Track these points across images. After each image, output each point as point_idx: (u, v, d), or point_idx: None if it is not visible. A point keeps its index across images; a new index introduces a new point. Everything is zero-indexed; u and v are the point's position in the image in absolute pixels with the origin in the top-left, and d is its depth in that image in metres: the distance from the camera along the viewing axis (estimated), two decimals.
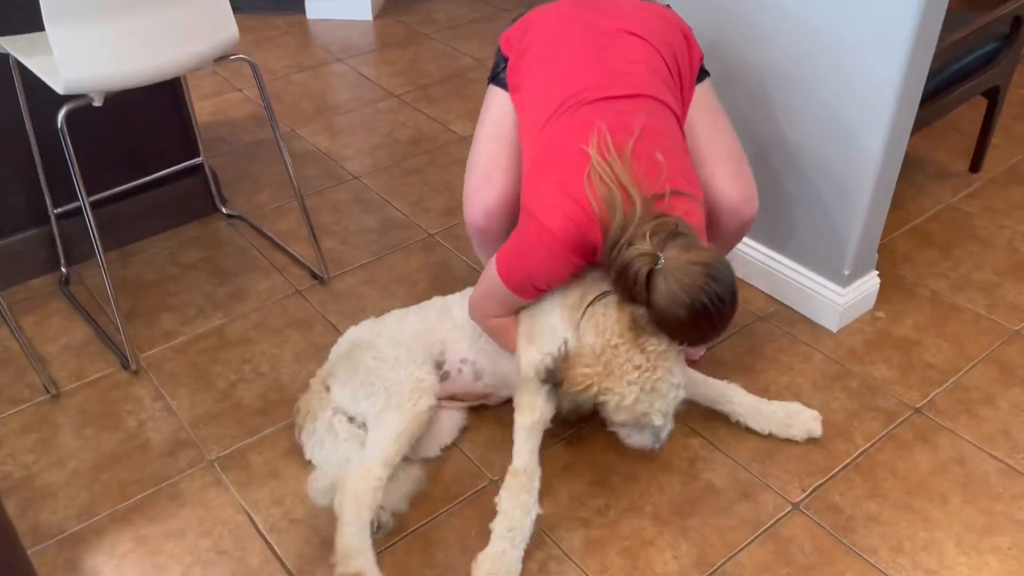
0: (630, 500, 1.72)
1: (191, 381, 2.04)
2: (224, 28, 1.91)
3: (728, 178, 1.72)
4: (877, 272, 2.16)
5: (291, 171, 2.25)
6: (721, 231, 1.77)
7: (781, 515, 1.68)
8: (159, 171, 2.39)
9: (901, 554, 1.60)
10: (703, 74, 1.80)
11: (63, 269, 2.32)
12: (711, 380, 1.85)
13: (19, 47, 1.89)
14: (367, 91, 3.31)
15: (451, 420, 1.84)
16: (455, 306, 1.87)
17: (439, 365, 1.80)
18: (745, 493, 1.73)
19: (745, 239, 2.20)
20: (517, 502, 1.56)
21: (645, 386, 1.49)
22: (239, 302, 2.28)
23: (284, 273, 2.38)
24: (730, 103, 1.91)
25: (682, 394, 1.55)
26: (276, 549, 1.65)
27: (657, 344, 1.49)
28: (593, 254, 1.54)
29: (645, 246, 1.41)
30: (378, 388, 1.70)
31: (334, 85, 3.36)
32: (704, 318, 1.42)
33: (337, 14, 3.84)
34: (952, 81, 2.33)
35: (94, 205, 2.02)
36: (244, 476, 1.80)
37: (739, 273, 2.27)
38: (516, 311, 1.70)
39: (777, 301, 2.21)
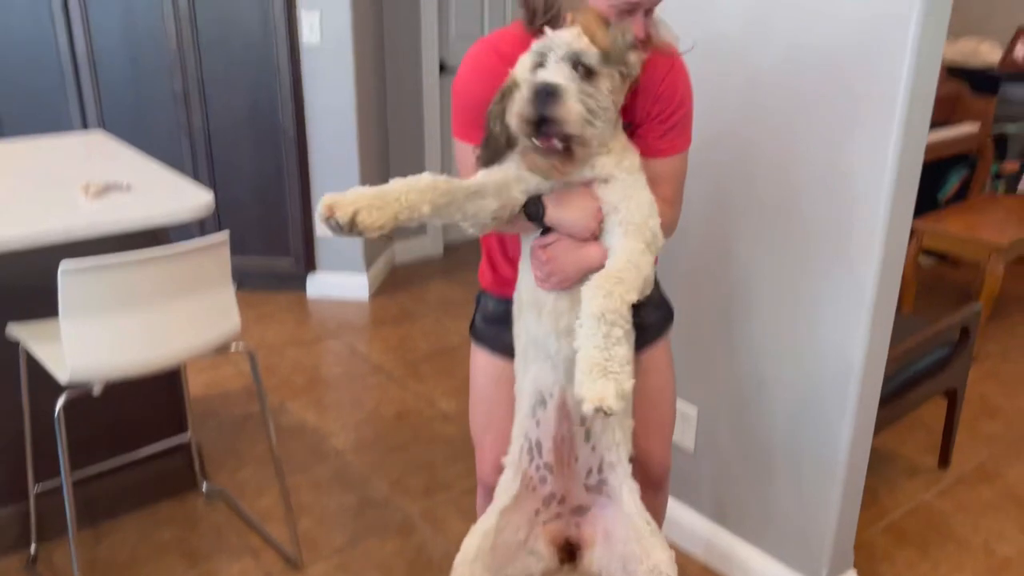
0: None
1: None
2: (227, 319, 2.05)
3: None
4: (855, 570, 2.15)
5: (275, 450, 2.30)
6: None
7: None
8: (146, 447, 2.44)
9: None
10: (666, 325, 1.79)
11: (32, 548, 2.28)
12: None
13: (28, 334, 2.02)
14: (358, 366, 3.44)
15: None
16: None
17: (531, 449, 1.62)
18: None
19: (721, 531, 2.21)
20: None
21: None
22: None
23: (257, 557, 2.34)
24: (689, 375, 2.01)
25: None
26: None
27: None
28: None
29: None
30: None
31: (327, 360, 3.50)
32: None
33: (336, 293, 4.09)
34: (911, 382, 2.46)
35: (76, 484, 2.04)
36: None
37: (719, 567, 2.26)
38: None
39: None
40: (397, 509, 2.55)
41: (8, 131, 3.71)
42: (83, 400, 2.25)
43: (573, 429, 1.56)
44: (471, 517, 2.45)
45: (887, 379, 1.96)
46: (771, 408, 2.06)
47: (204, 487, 2.61)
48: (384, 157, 4.36)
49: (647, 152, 1.51)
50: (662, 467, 1.83)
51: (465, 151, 1.54)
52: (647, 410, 1.71)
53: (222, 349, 2.08)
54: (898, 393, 2.40)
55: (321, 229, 3.59)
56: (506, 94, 1.38)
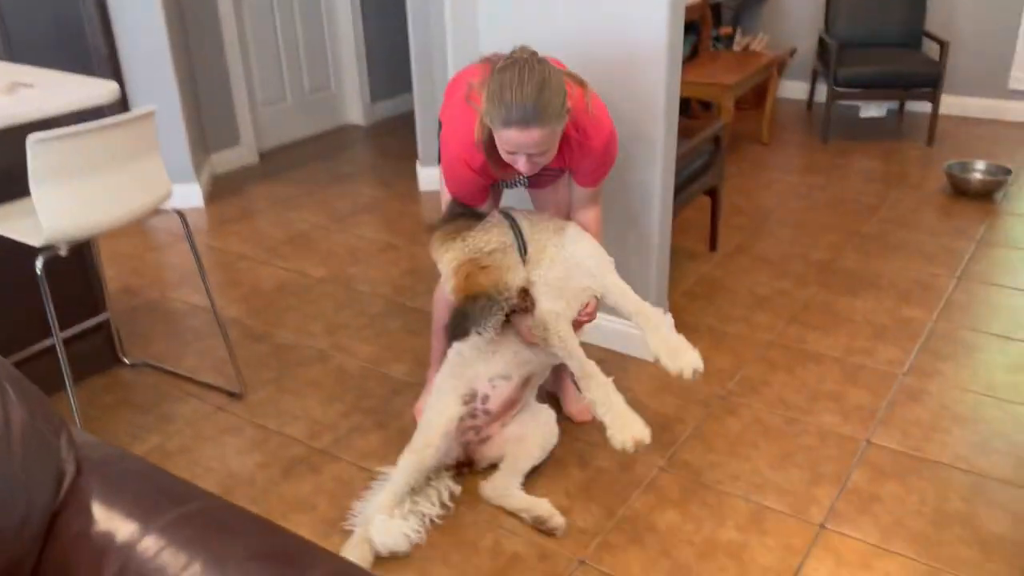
0: (544, 488, 2.25)
1: None
2: (163, 182, 2.39)
3: None
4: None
5: (206, 283, 2.67)
6: None
7: (653, 474, 2.30)
8: (69, 328, 2.70)
9: (737, 480, 2.26)
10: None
11: None
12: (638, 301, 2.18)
13: None
14: (221, 258, 3.76)
15: (545, 428, 2.31)
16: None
17: (472, 395, 2.24)
18: (625, 466, 2.33)
19: None
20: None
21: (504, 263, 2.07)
22: (168, 424, 2.59)
23: (201, 398, 2.72)
24: None
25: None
26: None
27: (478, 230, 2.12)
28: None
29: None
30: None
31: (188, 258, 3.77)
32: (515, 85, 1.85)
33: (170, 203, 4.28)
34: (688, 180, 3.28)
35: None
36: None
37: None
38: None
39: (605, 349, 2.92)
40: (307, 347, 3.01)
41: None
42: (3, 288, 2.49)
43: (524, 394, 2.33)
44: (374, 343, 3.01)
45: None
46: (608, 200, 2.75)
47: (126, 361, 2.90)
48: (192, 77, 4.54)
49: (583, 182, 2.20)
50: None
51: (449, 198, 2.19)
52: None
53: (161, 208, 2.42)
54: (681, 189, 3.21)
55: None
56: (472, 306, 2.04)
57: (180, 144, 4.23)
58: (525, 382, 2.29)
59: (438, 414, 2.19)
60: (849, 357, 2.83)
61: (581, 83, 2.02)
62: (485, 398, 2.25)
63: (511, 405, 2.28)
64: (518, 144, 1.90)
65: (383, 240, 3.87)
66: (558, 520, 2.10)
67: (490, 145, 1.99)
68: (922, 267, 3.44)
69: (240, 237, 3.98)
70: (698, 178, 3.36)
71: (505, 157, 1.97)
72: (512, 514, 2.16)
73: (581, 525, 2.13)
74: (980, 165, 4.23)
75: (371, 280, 3.49)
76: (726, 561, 2.00)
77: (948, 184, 4.24)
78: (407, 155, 4.95)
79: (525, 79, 1.84)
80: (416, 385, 2.69)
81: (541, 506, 2.13)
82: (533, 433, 2.28)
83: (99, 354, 2.86)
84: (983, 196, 4.11)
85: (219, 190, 4.61)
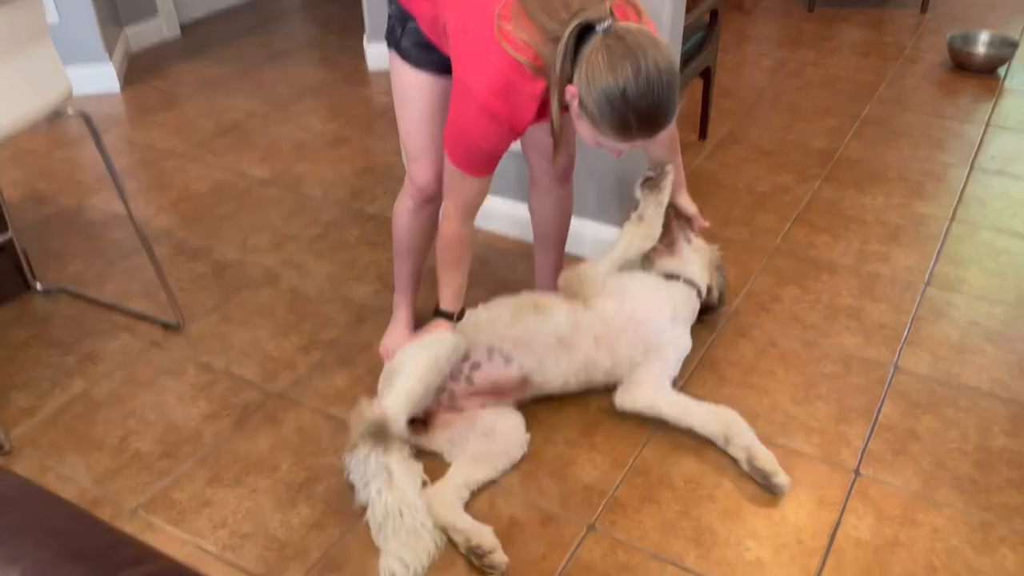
0: (543, 435, 1.97)
1: (77, 446, 1.97)
2: (56, 79, 1.91)
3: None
4: None
5: (133, 217, 2.25)
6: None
7: None
8: None
9: (757, 418, 2.00)
10: None
11: None
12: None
13: None
14: (145, 154, 3.27)
15: (515, 432, 1.92)
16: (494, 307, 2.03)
17: (465, 355, 1.91)
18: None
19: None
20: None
21: None
22: (94, 366, 2.21)
23: (132, 331, 2.34)
24: None
25: None
26: (238, 563, 1.68)
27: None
28: (528, 103, 1.62)
29: (586, 18, 1.51)
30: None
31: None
32: (644, 91, 1.48)
33: (81, 89, 3.71)
34: (685, 59, 2.87)
35: None
36: (174, 514, 1.80)
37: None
38: (472, 209, 1.82)
39: None
40: (253, 265, 2.61)
41: None
42: None
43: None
44: (331, 259, 2.61)
45: None
46: None
47: (39, 286, 2.48)
48: None
49: None
50: (570, 158, 2.10)
51: (466, 180, 1.75)
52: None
53: (57, 114, 1.95)
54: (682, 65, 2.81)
55: None
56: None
57: (87, 17, 3.62)
58: (521, 383, 1.97)
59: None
60: (863, 265, 2.55)
61: (637, 8, 1.64)
62: (476, 365, 1.93)
63: (494, 392, 1.95)
64: (633, 145, 1.58)
65: (332, 132, 3.40)
66: (499, 558, 1.65)
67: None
68: (930, 155, 3.14)
69: (165, 129, 3.46)
70: (693, 58, 2.95)
71: (594, 145, 1.63)
72: (445, 532, 1.72)
73: (587, 481, 1.86)
74: (984, 37, 3.87)
75: (322, 181, 3.06)
76: (755, 522, 1.76)
77: (948, 58, 3.89)
78: (352, 29, 4.39)
79: (652, 75, 1.48)
80: (384, 311, 2.34)
81: (483, 534, 1.67)
82: (503, 434, 1.90)
83: (3, 280, 2.42)
84: (987, 71, 3.78)
85: (137, 71, 4.02)
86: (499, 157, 1.74)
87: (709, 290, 2.19)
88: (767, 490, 1.81)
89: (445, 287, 1.90)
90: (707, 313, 2.24)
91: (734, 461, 1.86)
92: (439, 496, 1.74)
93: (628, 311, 2.01)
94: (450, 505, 1.73)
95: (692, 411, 1.93)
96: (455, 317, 1.93)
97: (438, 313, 1.92)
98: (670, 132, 1.95)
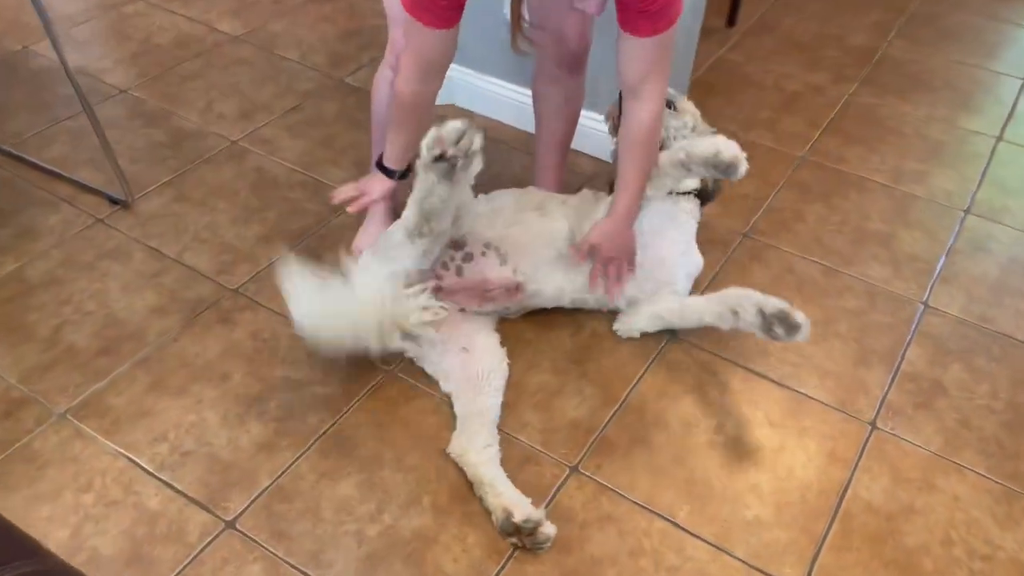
0: (527, 360, 1.76)
1: (3, 335, 1.74)
2: None
3: None
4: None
5: (73, 79, 1.94)
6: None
7: (661, 346, 1.81)
8: None
9: (767, 355, 1.79)
10: None
11: None
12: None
13: None
14: None
15: (493, 355, 1.70)
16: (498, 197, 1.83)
17: (460, 244, 1.71)
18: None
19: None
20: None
21: None
22: (30, 242, 1.96)
23: (74, 203, 2.07)
24: None
25: None
26: (175, 485, 1.50)
27: None
28: None
29: None
30: None
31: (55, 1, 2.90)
32: None
33: None
34: None
35: None
36: (107, 422, 1.59)
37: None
38: (431, 67, 1.58)
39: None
40: (216, 136, 2.32)
41: None
42: None
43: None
44: (304, 136, 2.33)
45: None
46: None
47: None
48: None
49: (634, 28, 1.50)
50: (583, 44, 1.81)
51: (422, 32, 1.50)
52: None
53: None
54: None
55: None
56: None
57: None
58: (513, 289, 1.73)
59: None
60: (899, 184, 2.29)
61: None
62: (469, 256, 1.71)
63: (480, 293, 1.72)
64: None
65: None
66: (548, 530, 1.43)
67: None
68: (982, 62, 2.81)
69: None
70: None
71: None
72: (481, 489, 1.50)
73: (573, 416, 1.66)
74: None
75: (300, 43, 2.72)
76: (757, 475, 1.57)
77: None
78: None
79: None
80: None
81: (522, 506, 1.43)
82: (489, 354, 1.69)
83: None
84: None
85: None
86: (456, 7, 1.48)
87: (705, 187, 1.91)
88: (790, 333, 1.52)
89: (391, 145, 1.68)
90: (706, 203, 1.95)
91: (751, 333, 1.59)
92: (471, 443, 1.54)
93: (641, 249, 1.77)
94: (486, 455, 1.52)
95: (695, 304, 1.71)
96: (397, 176, 1.72)
97: (380, 167, 1.71)
98: (648, 127, 1.63)
